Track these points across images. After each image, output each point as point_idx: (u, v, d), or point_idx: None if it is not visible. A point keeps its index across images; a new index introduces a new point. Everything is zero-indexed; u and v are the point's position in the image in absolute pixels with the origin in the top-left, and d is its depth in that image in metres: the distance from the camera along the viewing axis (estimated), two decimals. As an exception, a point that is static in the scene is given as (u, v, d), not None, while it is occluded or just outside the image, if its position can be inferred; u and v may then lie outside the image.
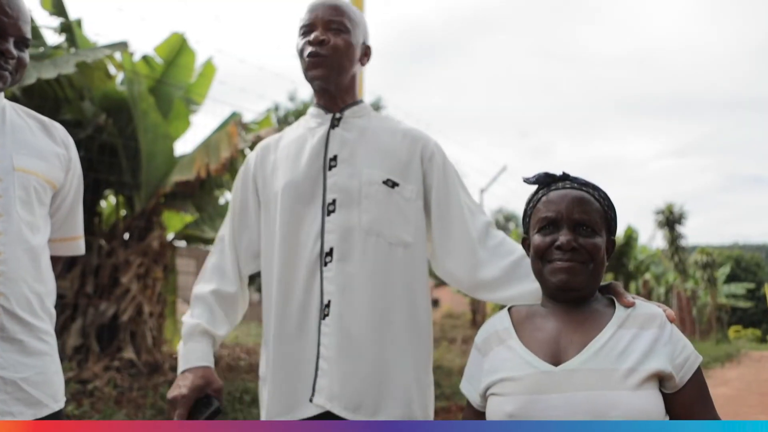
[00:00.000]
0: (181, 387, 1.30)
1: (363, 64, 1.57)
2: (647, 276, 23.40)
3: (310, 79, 1.49)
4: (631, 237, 19.57)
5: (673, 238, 22.11)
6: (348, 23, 1.48)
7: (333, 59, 1.45)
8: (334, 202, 1.42)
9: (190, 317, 1.45)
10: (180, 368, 1.37)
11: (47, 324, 1.40)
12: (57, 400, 1.38)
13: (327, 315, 1.37)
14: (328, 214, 1.41)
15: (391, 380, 1.37)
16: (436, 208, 1.50)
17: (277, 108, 18.31)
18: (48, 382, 1.36)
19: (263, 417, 1.43)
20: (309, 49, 1.45)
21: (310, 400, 1.34)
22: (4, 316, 1.27)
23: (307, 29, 1.48)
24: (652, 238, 24.26)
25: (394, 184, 1.44)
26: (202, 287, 1.49)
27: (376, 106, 18.82)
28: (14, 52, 1.35)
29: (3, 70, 1.33)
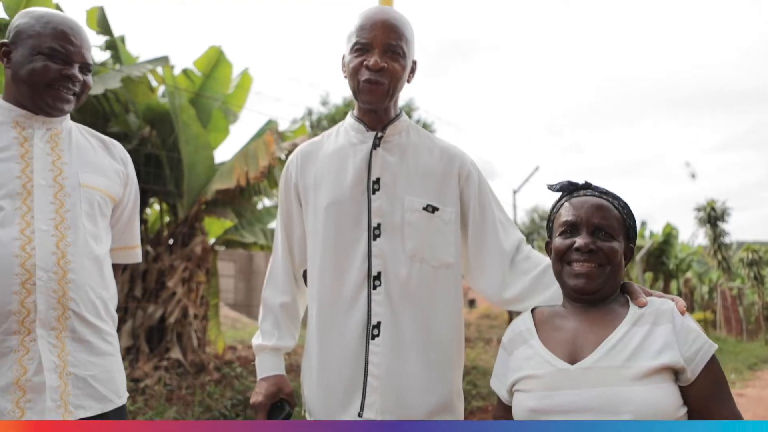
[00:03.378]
0: (258, 394, 1.49)
1: (409, 82, 1.55)
2: (689, 274, 22.75)
3: (364, 103, 1.49)
4: (670, 235, 19.09)
5: (716, 236, 21.45)
6: (405, 46, 1.46)
7: (389, 86, 1.45)
8: (378, 226, 1.46)
9: (260, 332, 1.58)
10: (258, 377, 1.54)
11: (110, 326, 1.52)
12: (120, 396, 1.50)
13: (377, 335, 1.42)
14: (374, 239, 1.45)
15: (438, 393, 1.45)
16: (472, 226, 1.55)
17: (310, 113, 18.58)
18: (112, 379, 1.48)
19: (308, 414, 1.50)
20: (366, 75, 1.44)
21: (359, 415, 1.40)
22: (75, 320, 1.40)
23: (363, 48, 1.44)
24: (694, 236, 23.60)
25: (434, 209, 1.48)
26: (271, 297, 1.60)
27: (408, 109, 18.87)
28: (80, 76, 1.50)
29: (69, 92, 1.49)
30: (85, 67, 1.53)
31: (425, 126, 17.91)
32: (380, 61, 1.43)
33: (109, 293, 1.53)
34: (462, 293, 1.56)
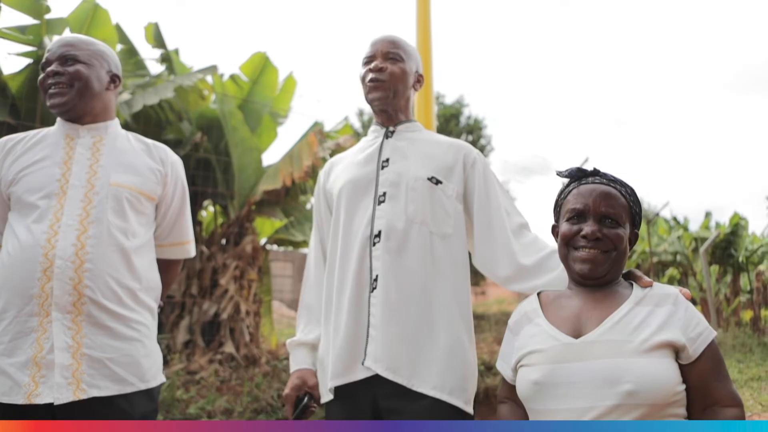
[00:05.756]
0: (287, 387, 1.64)
1: (416, 90, 1.80)
2: (761, 267, 21.48)
3: (371, 101, 1.72)
4: (738, 225, 18.09)
5: (791, 225, 20.08)
6: (403, 54, 1.73)
7: (390, 83, 1.69)
8: (384, 194, 1.63)
9: (297, 331, 1.74)
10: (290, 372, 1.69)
11: (140, 315, 1.60)
12: (144, 381, 1.56)
13: (375, 288, 1.55)
14: (379, 204, 1.62)
15: (427, 349, 1.53)
16: (477, 209, 1.67)
17: (362, 113, 18.80)
18: (135, 364, 1.55)
19: (329, 380, 1.58)
20: (370, 76, 1.70)
21: (363, 363, 1.52)
22: (91, 305, 1.50)
23: (368, 59, 1.73)
24: None
25: (437, 182, 1.64)
26: (306, 297, 1.76)
27: (458, 106, 18.78)
28: (60, 68, 1.63)
29: (56, 87, 1.63)
30: (65, 59, 1.65)
31: (476, 122, 17.82)
32: (380, 63, 1.70)
33: (141, 284, 1.61)
34: (467, 269, 1.64)
